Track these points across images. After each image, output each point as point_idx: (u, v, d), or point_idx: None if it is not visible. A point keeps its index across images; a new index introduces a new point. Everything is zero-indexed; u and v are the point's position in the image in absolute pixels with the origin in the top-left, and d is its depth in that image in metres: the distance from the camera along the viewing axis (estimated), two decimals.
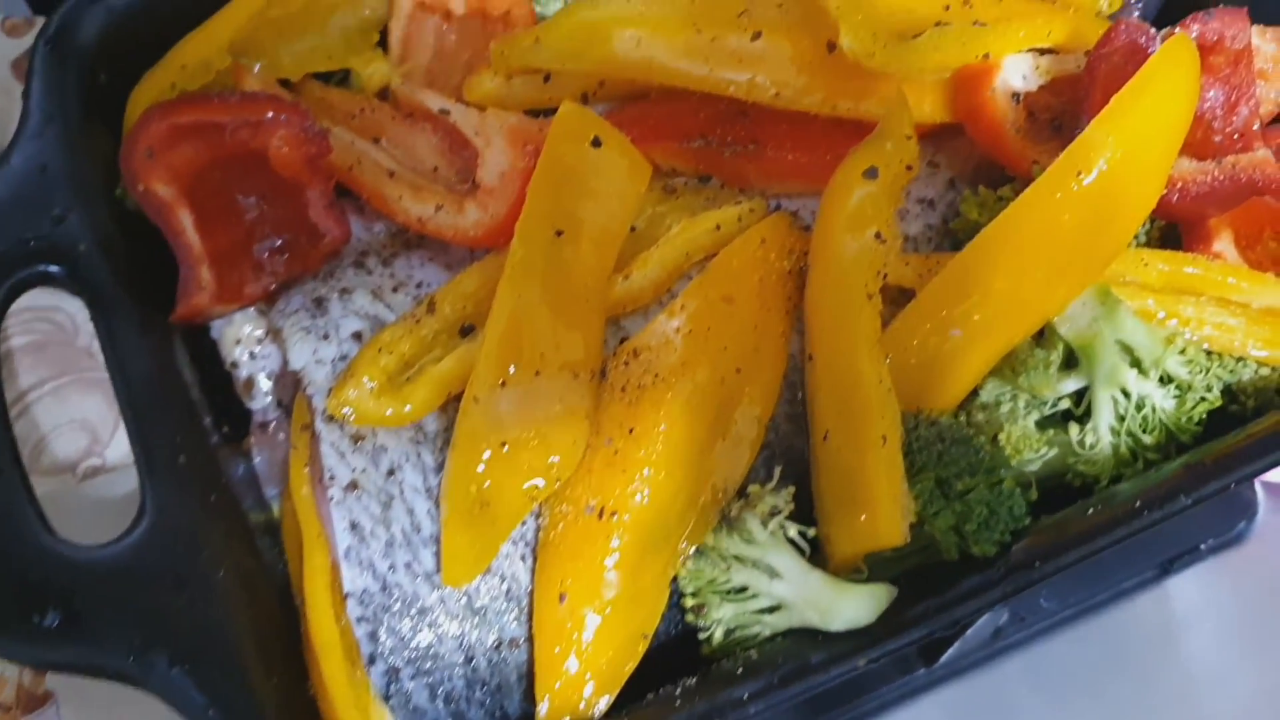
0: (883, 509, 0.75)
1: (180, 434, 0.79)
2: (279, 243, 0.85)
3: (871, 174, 0.83)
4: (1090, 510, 0.80)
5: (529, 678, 0.76)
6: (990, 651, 1.02)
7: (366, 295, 0.83)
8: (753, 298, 0.82)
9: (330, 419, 0.78)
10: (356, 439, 0.77)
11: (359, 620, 0.74)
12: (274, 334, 0.85)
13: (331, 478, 0.76)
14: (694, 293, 0.81)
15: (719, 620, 0.77)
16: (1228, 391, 0.88)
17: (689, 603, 0.78)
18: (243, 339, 0.86)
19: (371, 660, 0.74)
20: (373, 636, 0.74)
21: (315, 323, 0.82)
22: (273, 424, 0.89)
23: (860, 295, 0.80)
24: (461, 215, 0.82)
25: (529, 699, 0.76)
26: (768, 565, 0.76)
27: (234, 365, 0.87)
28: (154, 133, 0.81)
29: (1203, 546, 1.10)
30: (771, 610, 0.77)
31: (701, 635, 0.78)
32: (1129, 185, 0.80)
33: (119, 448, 0.87)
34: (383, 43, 0.96)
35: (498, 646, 0.76)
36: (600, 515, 0.75)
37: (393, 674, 0.74)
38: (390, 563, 0.75)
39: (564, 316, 0.78)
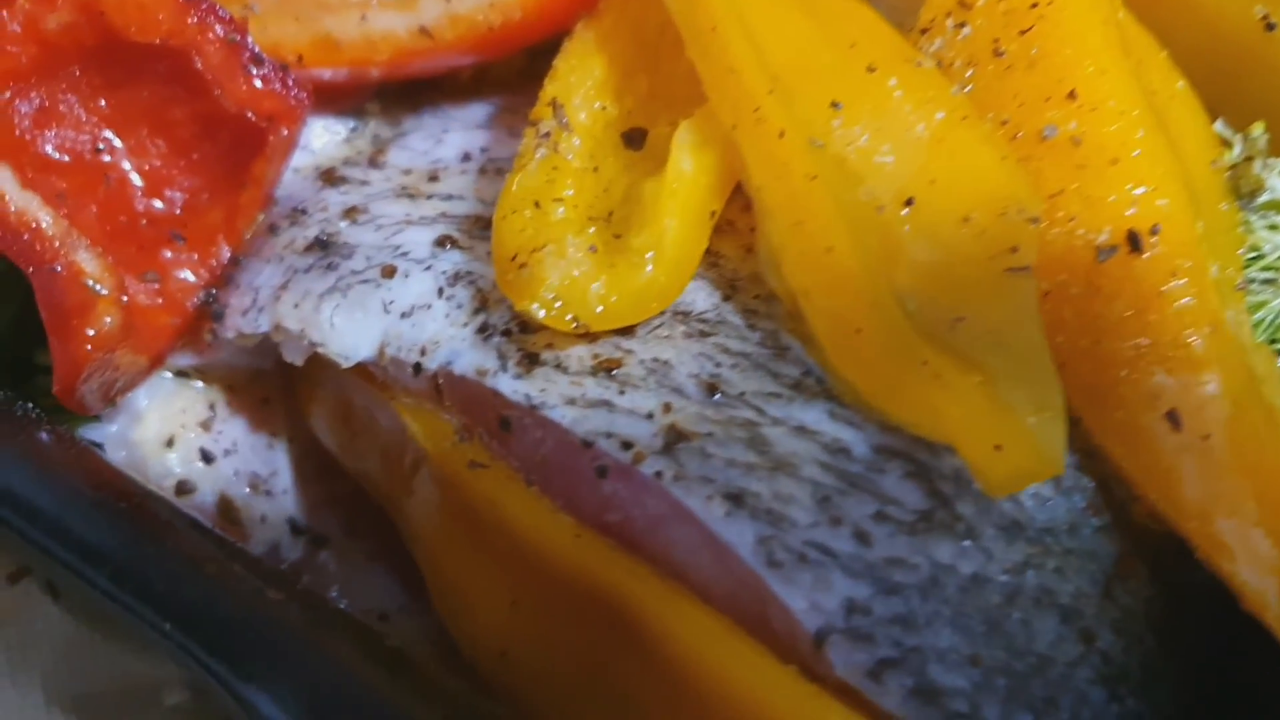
0: None
1: None
2: (186, 200, 0.42)
3: None
4: None
5: None
6: None
7: (389, 200, 0.43)
8: None
9: (559, 368, 0.37)
10: (608, 376, 0.37)
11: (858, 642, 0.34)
12: (281, 332, 0.42)
13: (633, 447, 0.36)
14: None
15: None
16: None
17: None
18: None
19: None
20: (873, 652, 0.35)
21: (344, 268, 0.41)
22: None
23: None
24: None
25: None
26: None
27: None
28: None
29: None
30: None
31: None
32: None
33: None
34: None
35: None
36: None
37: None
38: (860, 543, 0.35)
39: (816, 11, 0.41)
